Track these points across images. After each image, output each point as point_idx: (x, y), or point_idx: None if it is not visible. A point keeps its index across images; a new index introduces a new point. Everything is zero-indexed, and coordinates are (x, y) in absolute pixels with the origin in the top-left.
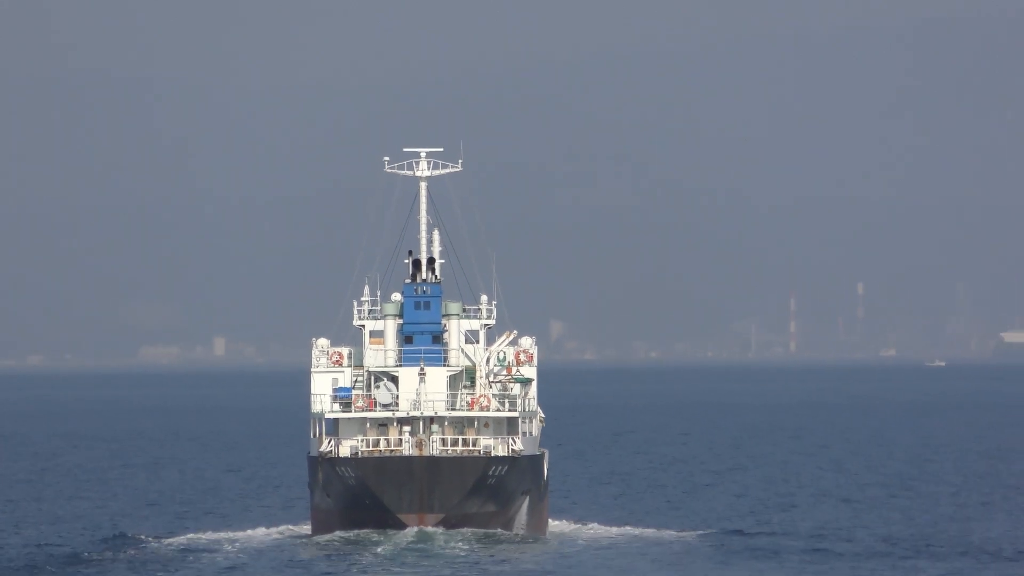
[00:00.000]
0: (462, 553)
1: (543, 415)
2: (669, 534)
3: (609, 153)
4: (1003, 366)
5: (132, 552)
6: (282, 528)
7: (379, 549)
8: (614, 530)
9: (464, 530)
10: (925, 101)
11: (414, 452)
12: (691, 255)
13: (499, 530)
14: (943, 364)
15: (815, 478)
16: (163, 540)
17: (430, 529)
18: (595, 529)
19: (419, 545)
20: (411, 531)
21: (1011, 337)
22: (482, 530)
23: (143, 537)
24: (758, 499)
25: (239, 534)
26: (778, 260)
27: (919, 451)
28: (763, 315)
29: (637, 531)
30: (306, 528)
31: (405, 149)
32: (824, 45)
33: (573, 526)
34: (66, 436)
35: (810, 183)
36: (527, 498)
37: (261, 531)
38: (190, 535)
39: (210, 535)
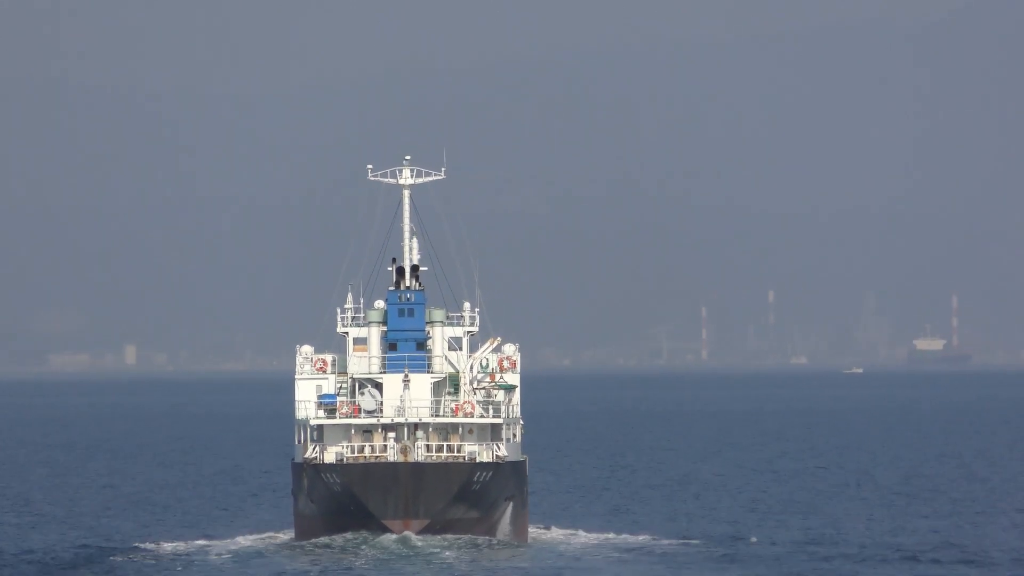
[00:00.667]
0: (447, 559)
1: (522, 421)
2: (642, 539)
3: (524, 160)
4: (942, 373)
5: (116, 560)
6: (265, 535)
7: (363, 555)
8: (593, 536)
9: (448, 536)
10: (831, 110)
11: (399, 458)
12: (603, 262)
13: (483, 536)
14: (860, 371)
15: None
16: (143, 548)
17: (414, 535)
18: (575, 536)
19: (403, 550)
20: (395, 536)
21: (923, 344)
22: (466, 536)
23: (122, 546)
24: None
25: (223, 542)
26: (689, 268)
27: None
28: (674, 322)
29: (609, 537)
30: (287, 534)
31: (404, 158)
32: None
33: (540, 531)
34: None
35: (720, 191)
36: (510, 504)
37: (243, 539)
38: (173, 543)
39: (190, 543)
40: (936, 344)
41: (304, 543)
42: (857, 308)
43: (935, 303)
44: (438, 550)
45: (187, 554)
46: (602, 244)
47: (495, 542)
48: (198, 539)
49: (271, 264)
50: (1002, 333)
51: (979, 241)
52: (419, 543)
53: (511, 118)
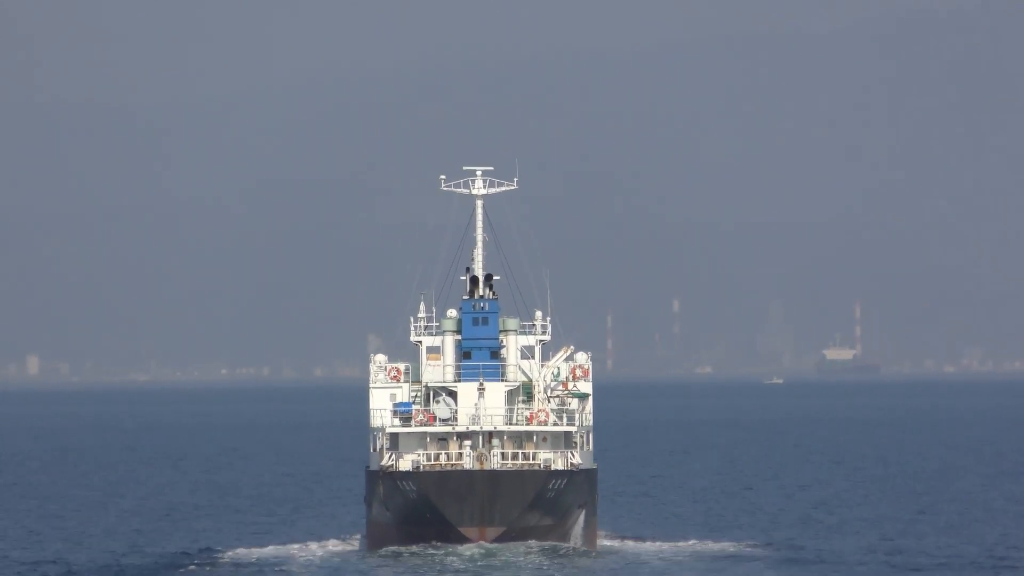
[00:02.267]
0: (532, 567)
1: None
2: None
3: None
4: (854, 382)
5: (191, 568)
6: (331, 542)
7: (452, 564)
8: (660, 544)
9: (532, 543)
10: (742, 119)
11: (475, 466)
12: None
13: (557, 543)
14: (781, 382)
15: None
16: (215, 556)
17: (492, 543)
18: (645, 544)
19: (487, 559)
20: (474, 544)
21: (833, 354)
22: (544, 543)
23: (191, 552)
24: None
25: (291, 548)
26: (594, 277)
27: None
28: (579, 332)
29: (682, 544)
30: (351, 543)
31: (464, 167)
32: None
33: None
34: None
35: (629, 199)
36: (583, 511)
37: (314, 545)
38: (239, 550)
39: (260, 550)
40: (846, 354)
41: (384, 550)
42: (762, 317)
43: (839, 313)
44: (521, 558)
45: (268, 562)
46: None
47: (577, 549)
48: (266, 546)
49: (179, 274)
50: (906, 343)
51: (882, 250)
52: (498, 551)
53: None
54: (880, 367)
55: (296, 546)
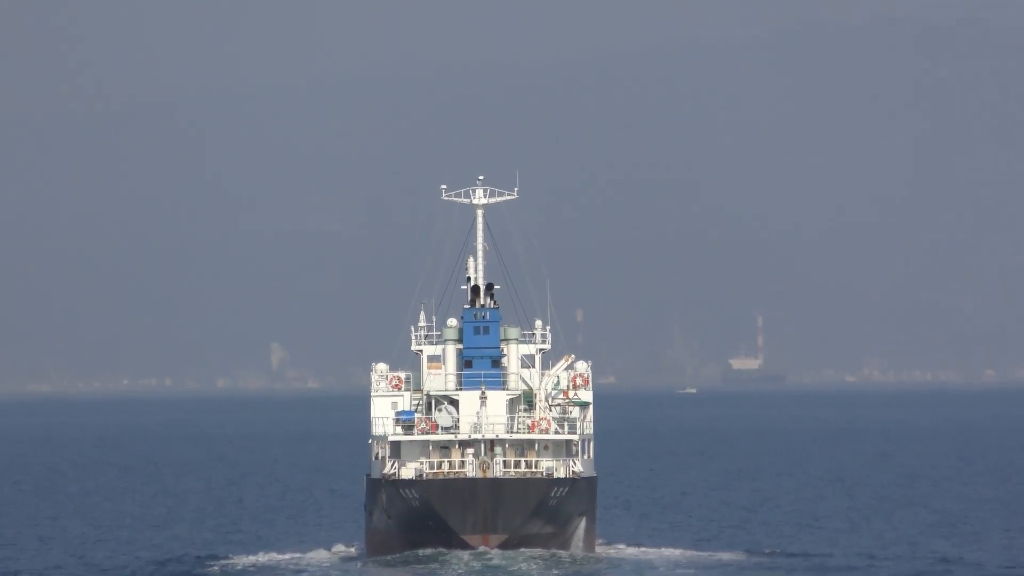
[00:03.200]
0: (537, 573)
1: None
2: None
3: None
4: (760, 392)
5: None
6: (335, 549)
7: (455, 570)
8: (662, 551)
9: (534, 550)
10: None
11: (478, 474)
12: (414, 280)
13: (558, 551)
14: (694, 391)
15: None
16: (220, 563)
17: (494, 550)
18: (644, 551)
19: (491, 565)
20: (477, 551)
21: (739, 364)
22: (546, 551)
23: (199, 558)
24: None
25: (295, 556)
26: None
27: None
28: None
29: (680, 552)
30: (348, 549)
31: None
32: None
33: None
34: None
35: (528, 210)
36: (584, 519)
37: (313, 554)
38: (246, 557)
39: (265, 557)
40: (752, 363)
41: (386, 557)
42: (666, 328)
43: (742, 323)
44: (524, 564)
45: (270, 568)
46: (399, 260)
47: (577, 556)
48: (268, 553)
49: (80, 283)
50: (807, 353)
51: (782, 261)
52: (500, 560)
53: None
54: (786, 377)
55: (287, 555)
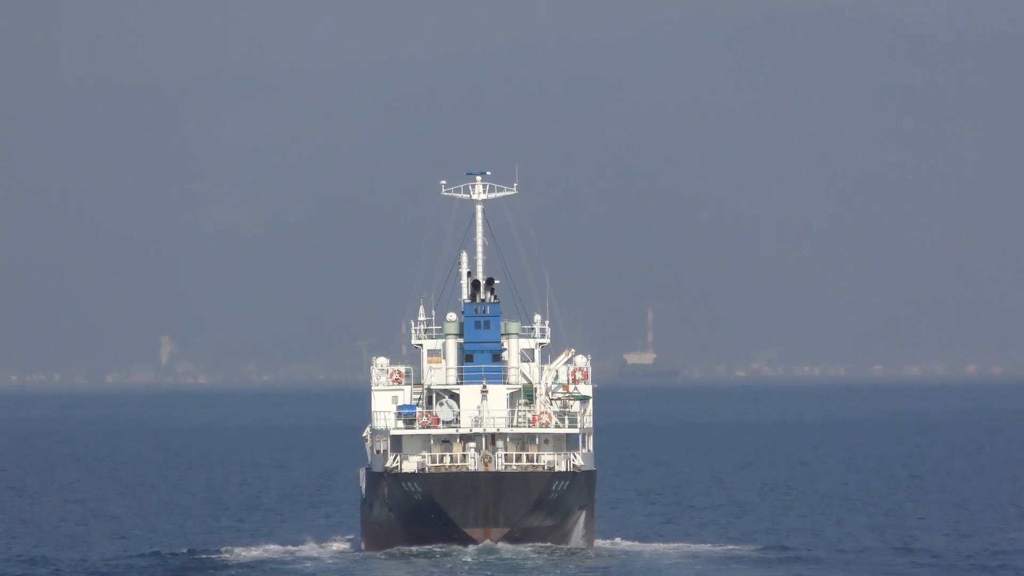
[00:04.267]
0: (543, 566)
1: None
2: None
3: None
4: (655, 386)
5: (203, 567)
6: (327, 543)
7: (467, 564)
8: (657, 545)
9: (536, 544)
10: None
11: (480, 468)
12: (307, 275)
13: (558, 544)
14: (597, 386)
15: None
16: (221, 554)
17: (499, 544)
18: (640, 545)
19: (495, 558)
20: (482, 544)
21: (633, 359)
22: (545, 544)
23: (198, 551)
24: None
25: (292, 549)
26: (390, 280)
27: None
28: (376, 337)
29: (677, 546)
30: (342, 543)
31: (467, 173)
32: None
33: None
34: None
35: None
36: (583, 513)
37: (308, 547)
38: (239, 549)
39: (263, 550)
40: (646, 358)
41: (393, 550)
42: (557, 323)
43: (632, 318)
44: (530, 558)
45: (272, 562)
46: (308, 259)
47: (580, 551)
48: (265, 545)
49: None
50: (698, 348)
51: (672, 256)
52: (507, 553)
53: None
54: (679, 371)
55: (281, 548)
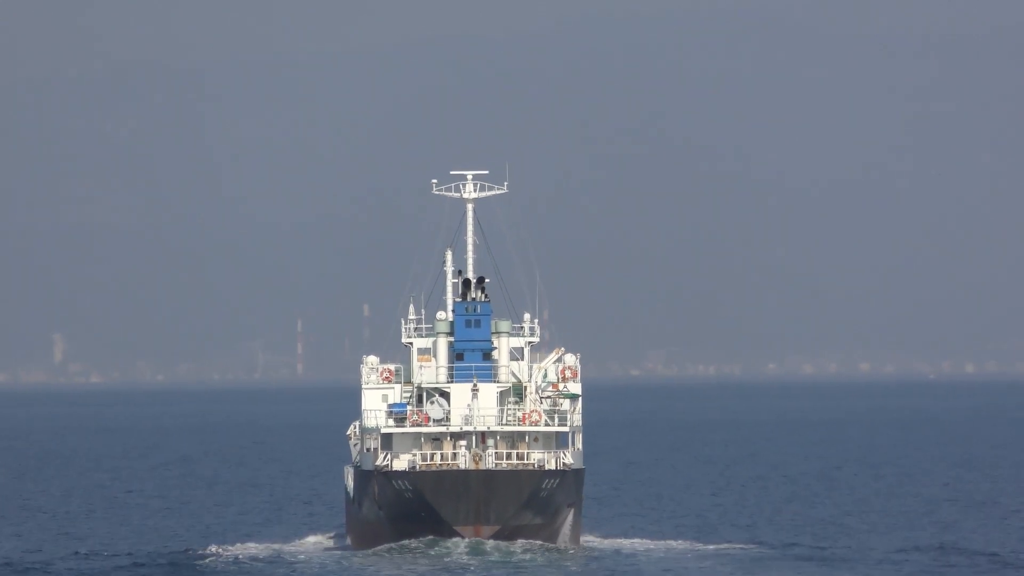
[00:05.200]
0: (533, 563)
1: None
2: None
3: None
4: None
5: (194, 564)
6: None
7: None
8: (641, 542)
9: (526, 542)
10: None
11: (471, 466)
12: (196, 273)
13: (546, 542)
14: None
15: None
16: (214, 552)
17: (489, 541)
18: (624, 542)
19: (486, 556)
20: (469, 541)
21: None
22: (534, 541)
23: (190, 551)
24: None
25: (280, 546)
26: (283, 280)
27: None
28: (269, 336)
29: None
30: (324, 540)
31: (452, 172)
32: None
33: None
34: None
35: (315, 204)
36: (571, 511)
37: (293, 546)
38: (227, 546)
39: (248, 548)
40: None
41: (381, 548)
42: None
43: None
44: (518, 555)
45: (264, 559)
46: (186, 255)
47: (565, 548)
48: (248, 543)
49: None
50: (591, 346)
51: (567, 254)
52: (495, 548)
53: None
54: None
55: (267, 546)
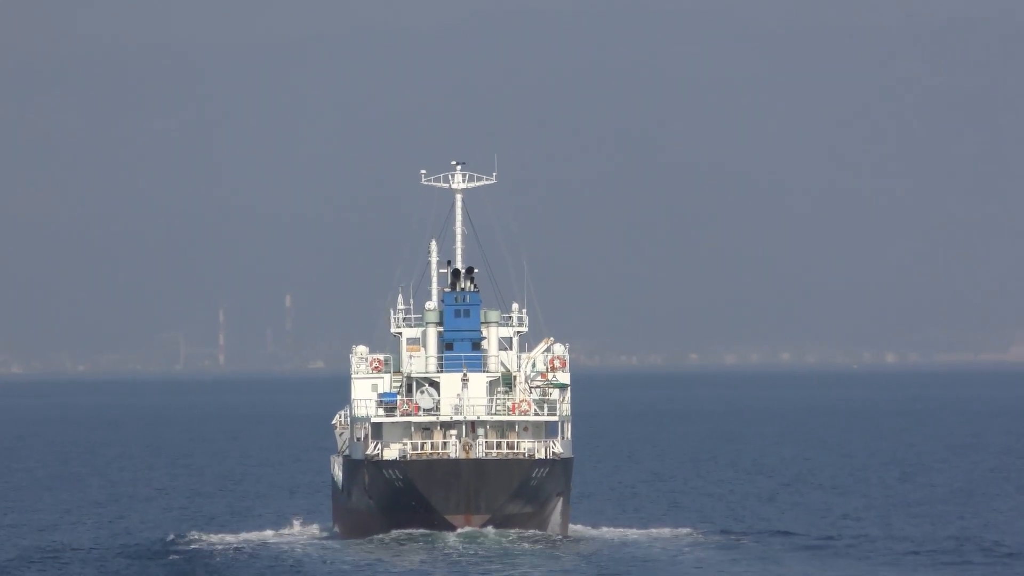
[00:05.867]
0: (528, 551)
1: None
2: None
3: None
4: None
5: (185, 554)
6: (289, 531)
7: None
8: (629, 531)
9: (516, 530)
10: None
11: (461, 455)
12: (119, 264)
13: (536, 531)
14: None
15: None
16: (203, 540)
17: (486, 529)
18: (609, 532)
19: (479, 545)
20: (463, 531)
21: None
22: (526, 530)
23: (186, 538)
24: None
25: (266, 535)
26: (205, 270)
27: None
28: (191, 327)
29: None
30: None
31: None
32: None
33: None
34: None
35: (237, 195)
36: (560, 499)
37: (272, 534)
38: (210, 535)
39: (238, 537)
40: None
41: (371, 537)
42: (374, 313)
43: None
44: (511, 544)
45: (255, 547)
46: (107, 251)
47: (555, 536)
48: (235, 533)
49: None
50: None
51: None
52: (492, 536)
53: None
54: None
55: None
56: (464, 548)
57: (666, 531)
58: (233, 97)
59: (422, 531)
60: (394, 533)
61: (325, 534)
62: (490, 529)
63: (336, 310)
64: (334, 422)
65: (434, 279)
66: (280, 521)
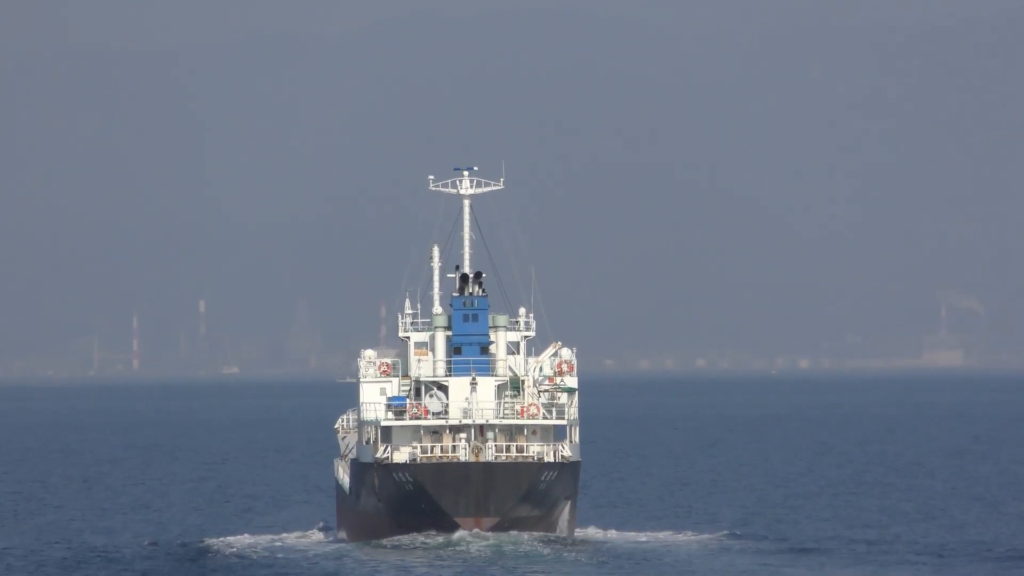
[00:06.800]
0: (537, 555)
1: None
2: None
3: None
4: None
5: (194, 557)
6: (295, 534)
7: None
8: (633, 534)
9: (525, 533)
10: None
11: (470, 458)
12: (29, 269)
13: (544, 533)
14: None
15: None
16: (210, 543)
17: (489, 533)
18: (616, 535)
19: (490, 547)
20: (470, 533)
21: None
22: (534, 533)
23: (189, 541)
24: None
25: (271, 538)
26: (118, 275)
27: None
28: (104, 332)
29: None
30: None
31: (453, 168)
32: None
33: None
34: None
35: (154, 201)
36: (568, 503)
37: (275, 539)
38: (223, 538)
39: (245, 539)
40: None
41: (384, 541)
42: (288, 318)
43: (364, 315)
44: (522, 546)
45: (268, 550)
46: (21, 252)
47: (564, 539)
48: (240, 535)
49: None
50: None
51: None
52: (497, 541)
53: None
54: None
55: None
56: (473, 551)
57: (682, 536)
58: (136, 102)
59: (431, 533)
60: (403, 536)
61: (328, 538)
62: (498, 532)
63: (251, 316)
64: (336, 426)
65: (436, 284)
66: (274, 527)
